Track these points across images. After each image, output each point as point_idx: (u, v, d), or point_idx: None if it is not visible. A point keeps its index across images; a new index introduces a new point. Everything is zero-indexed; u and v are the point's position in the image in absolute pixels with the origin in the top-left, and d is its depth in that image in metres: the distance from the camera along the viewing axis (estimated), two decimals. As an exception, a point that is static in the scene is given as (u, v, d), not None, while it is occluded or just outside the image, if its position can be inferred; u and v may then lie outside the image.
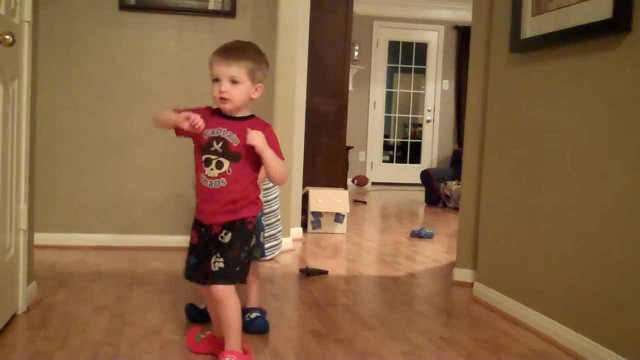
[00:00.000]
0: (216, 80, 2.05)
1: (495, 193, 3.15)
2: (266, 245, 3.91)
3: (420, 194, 8.34)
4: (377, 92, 10.16)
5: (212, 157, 2.05)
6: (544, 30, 2.69)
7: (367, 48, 9.93)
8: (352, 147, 8.18)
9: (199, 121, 1.99)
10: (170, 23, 4.18)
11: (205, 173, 2.05)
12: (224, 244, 2.06)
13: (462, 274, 3.52)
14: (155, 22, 4.17)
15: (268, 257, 3.95)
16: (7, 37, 2.22)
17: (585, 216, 2.43)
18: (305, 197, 5.10)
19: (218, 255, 2.05)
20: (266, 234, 3.90)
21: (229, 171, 2.04)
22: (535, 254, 2.74)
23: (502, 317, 2.90)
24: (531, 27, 2.80)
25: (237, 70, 2.03)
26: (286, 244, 4.28)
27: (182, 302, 2.89)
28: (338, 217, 5.22)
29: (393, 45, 10.22)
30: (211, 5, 4.25)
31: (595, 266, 2.36)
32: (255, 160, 2.06)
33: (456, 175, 7.36)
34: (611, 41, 2.30)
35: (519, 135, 2.92)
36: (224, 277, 2.04)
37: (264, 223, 3.87)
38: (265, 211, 3.86)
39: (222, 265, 2.04)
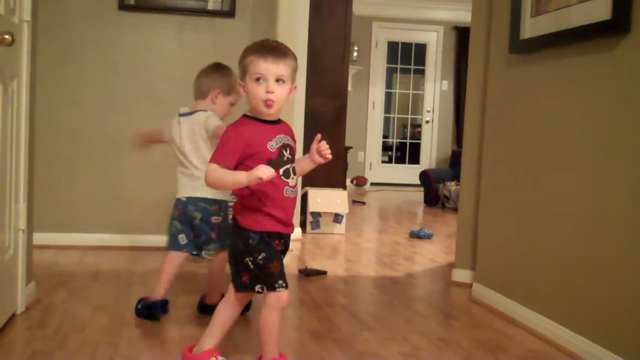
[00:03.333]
0: (258, 80, 1.90)
1: (494, 194, 3.15)
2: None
3: (419, 195, 8.34)
4: (376, 93, 10.17)
5: (288, 166, 1.98)
6: (543, 31, 2.69)
7: (366, 49, 9.93)
8: (351, 148, 8.18)
9: (270, 174, 1.84)
10: (170, 23, 4.19)
11: (290, 184, 1.98)
12: None
13: (461, 275, 3.52)
14: (155, 22, 4.17)
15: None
16: (7, 36, 2.22)
17: (584, 217, 2.43)
18: (304, 198, 5.10)
19: None
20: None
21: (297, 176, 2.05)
22: (534, 255, 2.75)
23: (501, 318, 2.90)
24: (530, 28, 2.80)
25: (284, 69, 1.92)
26: (285, 244, 4.28)
27: (180, 302, 2.89)
28: (337, 218, 5.22)
29: (392, 46, 10.23)
30: (210, 6, 4.25)
31: (594, 267, 2.36)
32: None
33: (455, 175, 7.36)
34: (610, 42, 2.30)
35: (518, 136, 2.92)
36: None
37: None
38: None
39: None
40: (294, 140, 2.05)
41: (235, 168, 1.91)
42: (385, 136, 10.41)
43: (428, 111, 10.32)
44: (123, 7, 4.11)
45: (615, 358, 2.20)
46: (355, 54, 9.45)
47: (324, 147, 2.04)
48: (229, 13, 4.21)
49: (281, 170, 1.95)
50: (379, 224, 6.35)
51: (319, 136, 2.05)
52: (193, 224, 2.70)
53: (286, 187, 1.97)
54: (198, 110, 2.72)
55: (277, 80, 1.91)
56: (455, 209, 6.63)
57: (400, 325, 2.74)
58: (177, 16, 4.19)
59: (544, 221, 2.68)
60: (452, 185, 7.40)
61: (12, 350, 2.24)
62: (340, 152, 6.15)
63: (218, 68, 2.80)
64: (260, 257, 1.96)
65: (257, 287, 1.98)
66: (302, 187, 5.00)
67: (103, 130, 4.13)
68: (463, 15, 9.35)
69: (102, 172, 4.15)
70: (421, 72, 10.33)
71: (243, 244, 1.97)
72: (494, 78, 3.18)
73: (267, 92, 1.90)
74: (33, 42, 2.68)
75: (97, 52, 4.12)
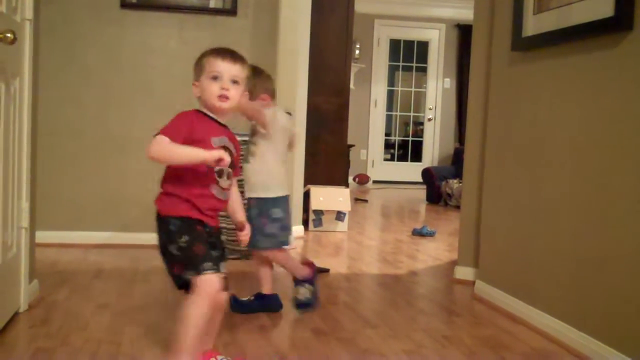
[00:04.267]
0: (214, 78, 1.95)
1: (496, 191, 3.15)
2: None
3: (421, 192, 8.34)
4: (379, 91, 10.16)
5: (224, 168, 1.97)
6: (546, 28, 2.69)
7: (369, 46, 9.92)
8: (353, 146, 8.18)
9: (228, 161, 1.87)
10: (172, 21, 4.19)
11: (220, 184, 1.97)
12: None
13: (464, 272, 3.52)
14: (157, 20, 4.17)
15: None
16: (9, 35, 2.22)
17: (586, 214, 2.42)
18: (306, 195, 5.10)
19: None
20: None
21: (231, 181, 2.03)
22: (536, 252, 2.74)
23: (504, 315, 2.90)
24: (533, 25, 2.80)
25: (241, 71, 1.98)
26: (287, 242, 4.28)
27: (183, 300, 2.89)
28: (339, 215, 5.22)
29: (394, 44, 10.22)
30: (212, 4, 4.25)
31: (597, 264, 2.36)
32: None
33: (457, 173, 7.36)
34: (613, 39, 2.30)
35: (520, 133, 2.92)
36: None
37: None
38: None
39: None
40: (237, 150, 2.05)
41: None
42: (387, 134, 10.40)
43: (430, 109, 10.32)
44: (125, 5, 4.11)
45: (619, 355, 2.20)
46: (357, 51, 9.44)
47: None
48: (231, 11, 4.21)
49: (216, 167, 1.93)
50: (381, 222, 6.35)
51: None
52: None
53: (214, 185, 1.95)
54: None
55: (233, 81, 1.96)
56: (457, 207, 6.63)
57: (403, 323, 2.74)
58: (178, 14, 4.19)
59: (547, 218, 2.67)
60: (454, 183, 7.40)
61: (15, 347, 2.25)
62: (343, 150, 6.15)
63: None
64: (182, 240, 1.91)
65: (189, 274, 1.90)
66: (304, 185, 5.00)
67: (105, 127, 4.13)
68: (465, 13, 9.35)
69: (105, 170, 4.16)
70: (423, 70, 10.33)
71: (165, 234, 1.94)
72: (497, 75, 3.17)
73: (222, 88, 1.94)
74: (35, 40, 2.68)
75: (99, 50, 4.12)
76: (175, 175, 1.95)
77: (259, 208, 2.76)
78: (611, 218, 2.29)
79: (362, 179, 9.67)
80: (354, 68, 8.74)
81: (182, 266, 1.93)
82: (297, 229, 4.70)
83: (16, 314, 2.57)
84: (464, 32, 9.87)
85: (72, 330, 2.43)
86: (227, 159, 1.85)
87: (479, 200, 3.36)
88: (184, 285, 1.96)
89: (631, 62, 2.22)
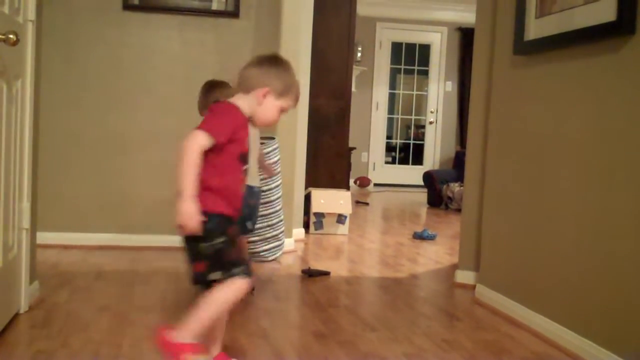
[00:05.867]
0: (282, 109, 2.00)
1: (497, 195, 3.15)
2: (268, 246, 3.93)
3: (422, 196, 8.34)
4: (380, 94, 10.16)
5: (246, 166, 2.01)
6: (548, 32, 2.69)
7: (370, 49, 9.92)
8: (354, 148, 8.17)
9: (186, 223, 1.84)
10: (174, 23, 4.19)
11: (246, 182, 2.03)
12: None
13: (465, 276, 3.52)
14: (159, 22, 4.18)
15: (270, 258, 3.97)
16: (11, 36, 2.22)
17: (587, 219, 2.42)
18: (307, 198, 5.10)
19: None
20: (268, 235, 3.92)
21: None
22: (537, 256, 2.74)
23: (505, 320, 2.90)
24: (535, 29, 2.80)
25: None
26: (288, 245, 4.29)
27: (184, 301, 2.89)
28: (340, 218, 5.21)
29: (396, 47, 10.22)
30: (214, 6, 4.26)
31: (598, 269, 2.35)
32: None
33: (459, 177, 7.35)
34: (615, 43, 2.30)
35: (521, 137, 2.91)
36: None
37: (267, 224, 3.88)
38: (267, 212, 3.88)
39: None
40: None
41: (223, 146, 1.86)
42: (388, 137, 10.40)
43: (432, 112, 10.31)
44: (127, 7, 4.11)
45: (620, 360, 2.20)
46: (359, 54, 9.44)
47: None
48: (233, 13, 4.21)
49: (244, 167, 1.97)
50: (382, 225, 6.35)
51: None
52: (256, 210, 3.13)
53: (243, 182, 1.99)
54: None
55: None
56: (458, 210, 6.62)
57: (404, 327, 2.74)
58: (181, 16, 4.20)
59: (548, 223, 2.67)
60: (455, 186, 7.39)
61: (15, 349, 2.24)
62: (344, 153, 6.15)
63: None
64: (218, 241, 1.87)
65: (214, 275, 1.87)
66: (306, 187, 5.00)
67: (107, 129, 4.14)
68: (467, 16, 9.35)
69: (106, 171, 4.16)
70: (425, 73, 10.32)
71: (202, 230, 1.87)
72: (498, 79, 3.17)
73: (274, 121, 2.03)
74: (37, 41, 2.69)
75: (101, 52, 4.13)
76: (214, 167, 1.87)
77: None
78: (613, 223, 2.29)
79: (363, 182, 9.67)
80: (356, 71, 8.74)
81: (208, 266, 1.88)
82: (298, 232, 4.70)
83: (17, 315, 2.57)
84: (465, 36, 9.87)
85: (72, 332, 2.43)
86: (185, 223, 1.82)
87: (480, 204, 3.36)
88: (201, 282, 1.94)
89: (633, 66, 2.22)
